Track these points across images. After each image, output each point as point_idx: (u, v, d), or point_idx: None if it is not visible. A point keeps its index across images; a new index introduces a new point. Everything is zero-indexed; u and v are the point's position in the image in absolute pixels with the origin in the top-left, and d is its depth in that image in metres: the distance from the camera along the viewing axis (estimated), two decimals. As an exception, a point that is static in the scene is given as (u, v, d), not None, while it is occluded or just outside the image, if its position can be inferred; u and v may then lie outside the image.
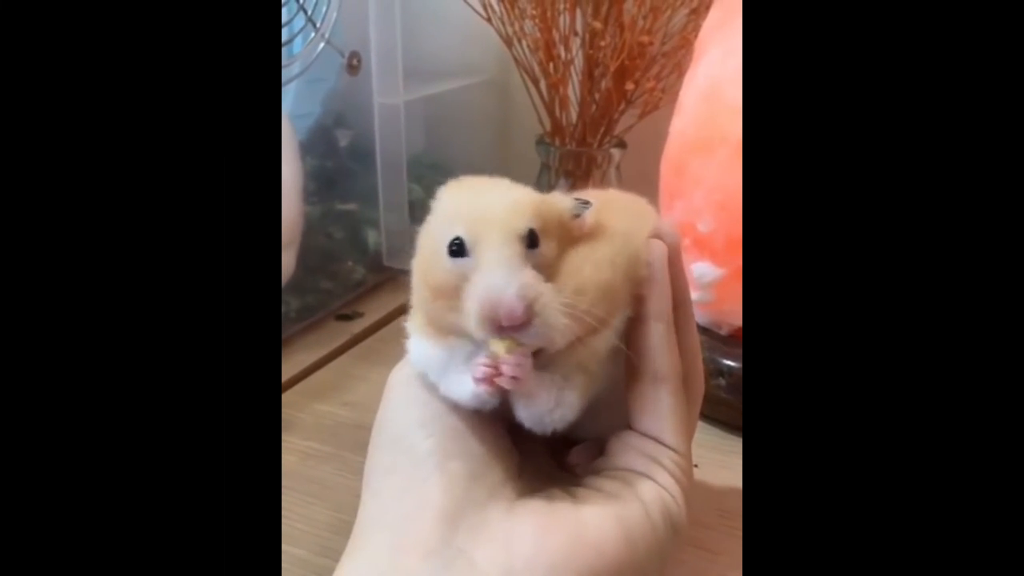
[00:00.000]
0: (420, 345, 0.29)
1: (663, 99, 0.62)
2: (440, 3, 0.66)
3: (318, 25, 0.55)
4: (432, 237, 0.28)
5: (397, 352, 0.31)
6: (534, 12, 0.60)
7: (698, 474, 0.39)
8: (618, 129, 0.65)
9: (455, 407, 0.28)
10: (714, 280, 0.46)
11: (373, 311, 0.62)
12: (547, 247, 0.26)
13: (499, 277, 0.25)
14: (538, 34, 0.61)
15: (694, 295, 0.40)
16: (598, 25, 0.59)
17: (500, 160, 0.78)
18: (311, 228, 0.59)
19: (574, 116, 0.64)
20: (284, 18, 0.53)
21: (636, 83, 0.61)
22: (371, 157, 0.61)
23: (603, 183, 0.65)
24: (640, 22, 0.59)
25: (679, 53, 0.62)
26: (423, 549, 0.25)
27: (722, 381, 0.47)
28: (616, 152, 0.64)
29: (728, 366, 0.47)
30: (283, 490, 0.42)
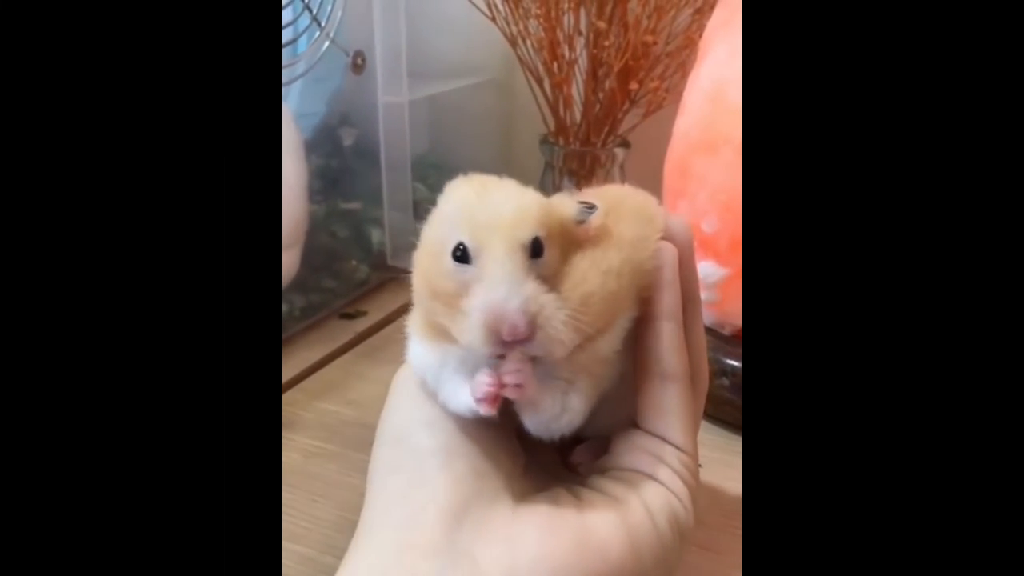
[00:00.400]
0: (417, 348, 0.29)
1: (667, 99, 0.62)
2: (445, 2, 0.66)
3: (323, 24, 0.55)
4: (435, 237, 0.27)
5: (401, 351, 0.31)
6: (538, 11, 0.60)
7: (701, 474, 0.39)
8: (622, 129, 0.65)
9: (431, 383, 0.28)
10: (718, 280, 0.46)
11: (377, 310, 0.62)
12: (551, 255, 0.26)
13: (502, 291, 0.24)
14: (542, 34, 0.61)
15: (698, 295, 0.40)
16: (602, 25, 0.59)
17: (504, 159, 0.78)
18: (315, 227, 0.59)
19: (578, 116, 0.64)
20: (289, 17, 0.53)
21: (640, 83, 0.61)
22: (375, 156, 0.62)
23: (607, 183, 0.65)
24: (644, 22, 0.59)
25: (683, 53, 0.61)
26: (427, 548, 0.25)
27: (725, 381, 0.47)
28: (620, 152, 0.64)
29: (732, 366, 0.47)
30: (287, 488, 0.42)
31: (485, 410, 0.26)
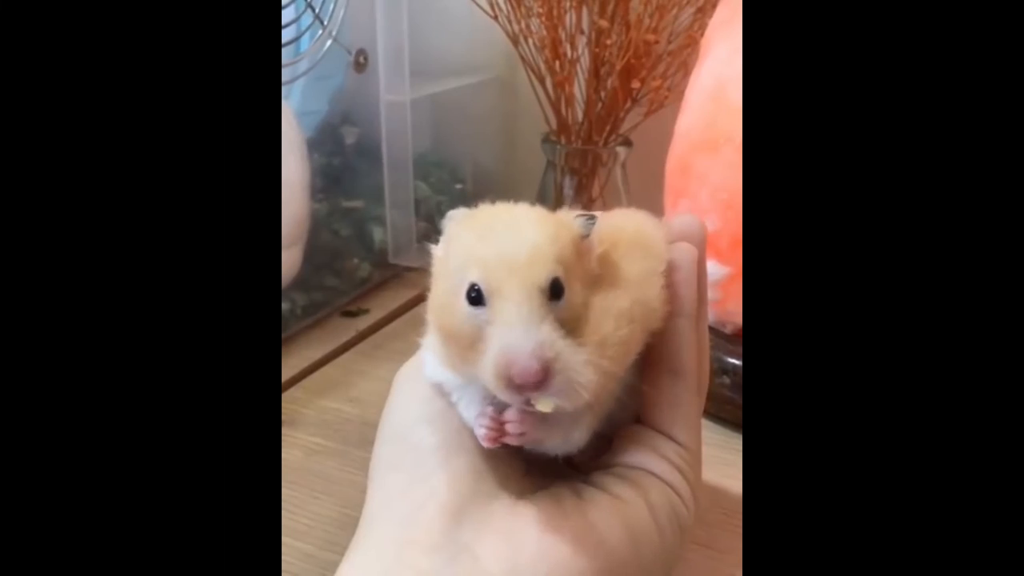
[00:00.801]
0: (435, 366, 0.29)
1: (669, 98, 0.62)
2: (447, 1, 0.66)
3: (325, 23, 0.55)
4: (447, 277, 0.26)
5: (403, 348, 0.31)
6: (540, 10, 0.60)
7: (702, 472, 0.39)
8: (624, 128, 0.65)
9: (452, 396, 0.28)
10: (719, 279, 0.46)
11: (378, 308, 0.63)
12: (573, 293, 0.25)
13: (515, 336, 0.23)
14: (544, 32, 0.61)
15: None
16: (604, 23, 0.59)
17: (506, 158, 0.79)
18: (317, 225, 0.59)
19: (580, 114, 0.65)
20: (291, 15, 0.53)
21: (642, 81, 0.62)
22: (377, 154, 0.62)
23: (609, 181, 0.66)
24: (646, 20, 0.59)
25: (685, 52, 0.61)
26: (428, 544, 0.25)
27: (726, 379, 0.47)
28: (622, 151, 0.64)
29: (733, 364, 0.47)
30: (288, 485, 0.42)
31: (487, 445, 0.26)
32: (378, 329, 0.60)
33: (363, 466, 0.30)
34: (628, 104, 0.63)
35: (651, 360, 0.29)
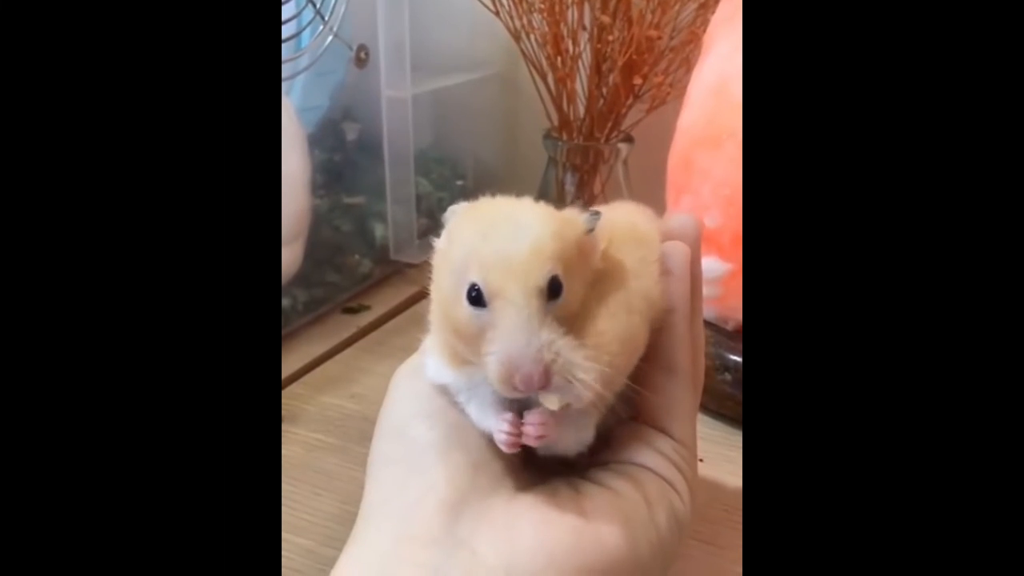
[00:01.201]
0: (439, 367, 0.29)
1: (671, 94, 0.62)
2: (448, -4, 0.66)
3: (326, 18, 0.55)
4: (450, 274, 0.26)
5: (403, 345, 0.31)
6: (542, 6, 0.60)
7: (703, 469, 0.39)
8: (626, 124, 0.65)
9: (454, 400, 0.28)
10: (721, 275, 0.46)
11: (380, 304, 0.63)
12: (571, 291, 0.25)
13: (518, 340, 0.23)
14: (546, 28, 0.61)
15: (701, 290, 0.40)
16: (606, 19, 0.59)
17: (507, 154, 0.78)
18: (318, 221, 0.59)
19: (582, 110, 0.64)
20: (292, 11, 0.53)
21: (644, 77, 0.61)
22: (379, 151, 0.62)
23: (610, 178, 0.65)
24: (648, 16, 0.59)
25: (687, 48, 0.61)
26: (425, 538, 0.25)
27: (727, 376, 0.47)
28: (624, 147, 0.64)
29: (734, 361, 0.47)
30: (289, 481, 0.42)
31: (506, 451, 0.26)
32: (379, 325, 0.60)
33: (364, 462, 0.30)
34: (630, 100, 0.63)
35: (646, 357, 0.29)
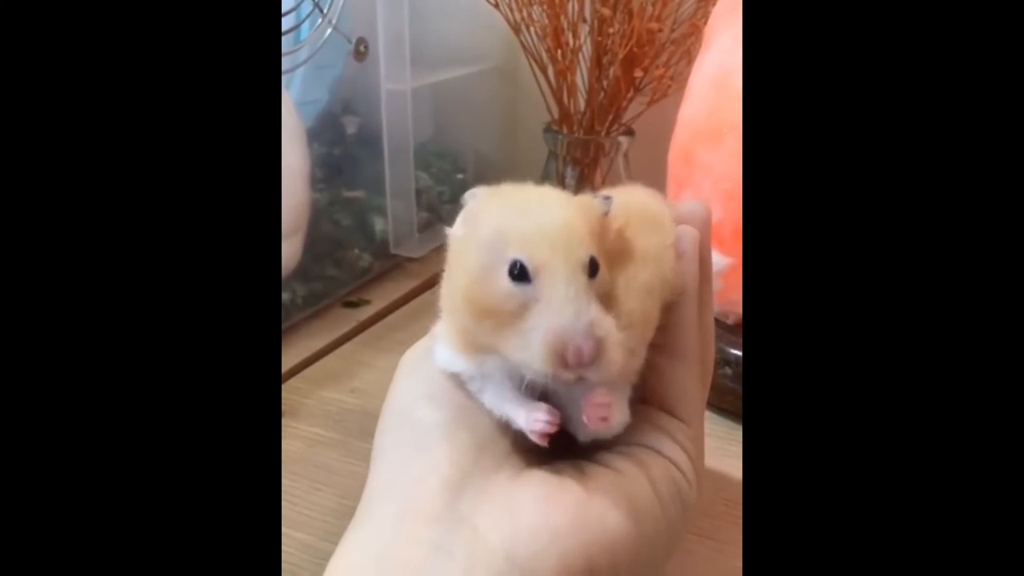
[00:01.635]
0: (450, 354, 0.28)
1: (672, 87, 0.62)
2: (448, -11, 0.66)
3: (325, 11, 0.54)
4: (479, 254, 0.26)
5: (404, 339, 0.31)
6: (542, -2, 0.60)
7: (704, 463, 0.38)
8: (626, 117, 0.65)
9: (463, 382, 0.28)
10: (722, 269, 0.46)
11: (379, 298, 0.62)
12: (604, 273, 0.25)
13: (569, 314, 0.23)
14: (546, 21, 0.61)
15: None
16: (607, 12, 0.59)
17: (507, 148, 0.78)
18: (318, 215, 0.59)
19: (582, 104, 0.64)
20: (291, 4, 0.53)
21: (645, 70, 0.61)
22: (378, 144, 0.61)
23: (611, 171, 0.65)
24: (649, 9, 0.58)
25: (688, 40, 0.61)
26: (428, 516, 0.25)
27: (728, 370, 0.47)
28: (624, 140, 0.64)
29: (735, 355, 0.47)
30: (289, 476, 0.42)
31: (539, 441, 0.26)
32: (379, 320, 0.60)
33: (364, 457, 0.29)
34: (631, 93, 0.63)
35: (655, 340, 0.29)
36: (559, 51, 0.62)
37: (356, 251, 0.64)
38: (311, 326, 0.58)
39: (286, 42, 0.54)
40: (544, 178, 0.66)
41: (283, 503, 0.40)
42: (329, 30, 0.55)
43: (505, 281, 0.24)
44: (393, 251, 0.65)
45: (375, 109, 0.60)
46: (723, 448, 0.44)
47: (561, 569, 0.24)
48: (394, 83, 0.59)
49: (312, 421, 0.47)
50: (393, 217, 0.64)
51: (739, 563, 0.36)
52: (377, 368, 0.53)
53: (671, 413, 0.29)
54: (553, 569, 0.24)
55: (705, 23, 0.53)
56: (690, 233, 0.30)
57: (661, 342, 0.29)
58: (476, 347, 0.27)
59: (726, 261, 0.45)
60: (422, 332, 0.31)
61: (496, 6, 0.62)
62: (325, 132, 0.63)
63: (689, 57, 0.60)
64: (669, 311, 0.29)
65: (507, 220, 0.25)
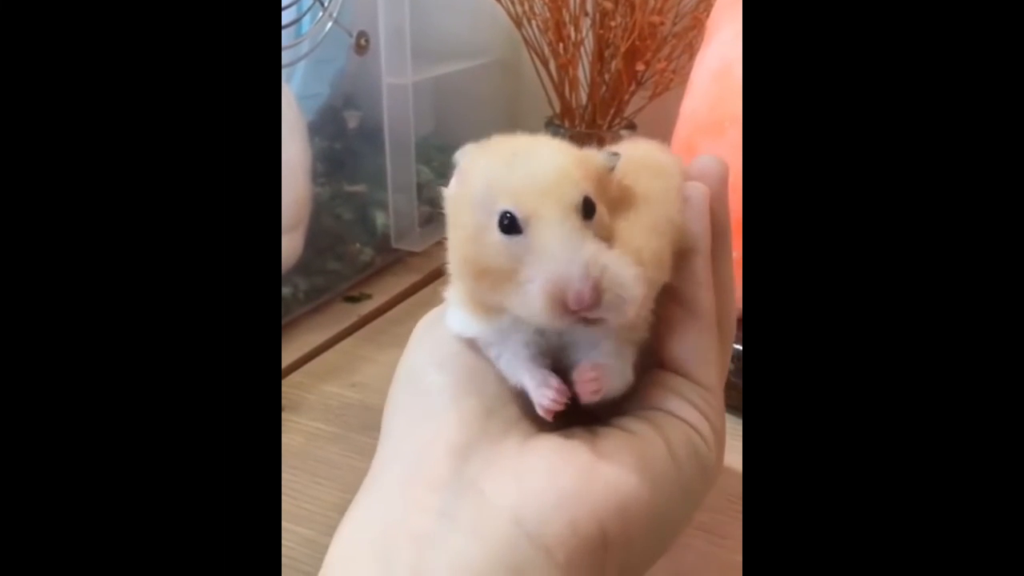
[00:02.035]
0: (464, 319, 0.27)
1: (674, 80, 0.62)
2: (449, -18, 0.66)
3: (326, 4, 0.54)
4: (471, 211, 0.25)
5: (405, 334, 0.30)
6: (544, -9, 0.60)
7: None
8: (628, 110, 0.65)
9: (474, 346, 0.27)
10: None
11: (381, 293, 0.62)
12: (602, 211, 0.24)
13: (562, 258, 0.23)
14: (548, 14, 0.61)
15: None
16: (609, 5, 0.59)
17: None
18: (319, 209, 0.59)
19: (584, 97, 0.64)
20: (292, -3, 0.53)
21: (647, 64, 0.61)
22: (379, 138, 0.61)
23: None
24: (651, 2, 0.58)
25: (690, 33, 0.61)
26: (433, 482, 0.25)
27: (731, 365, 0.47)
28: (626, 134, 0.64)
29: (736, 350, 0.47)
30: (290, 470, 0.42)
31: (546, 416, 0.26)
32: (380, 314, 0.60)
33: (365, 451, 0.29)
34: (632, 87, 0.63)
35: (668, 301, 0.28)
36: (561, 44, 0.61)
37: (357, 245, 0.63)
38: (312, 320, 0.58)
39: (287, 36, 0.54)
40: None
41: (284, 498, 0.40)
42: (330, 24, 0.55)
43: (497, 235, 0.24)
44: (394, 245, 0.65)
45: (376, 103, 0.60)
46: (726, 443, 0.44)
47: (571, 534, 0.23)
48: (395, 77, 0.59)
49: (313, 416, 0.47)
50: (394, 211, 0.63)
51: (740, 558, 0.36)
52: (378, 363, 0.53)
53: (687, 376, 0.28)
54: (562, 533, 0.23)
55: (707, 16, 0.52)
56: (699, 189, 0.29)
57: (674, 303, 0.28)
58: (484, 308, 0.26)
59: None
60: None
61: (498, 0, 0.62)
62: (326, 126, 0.63)
63: (691, 50, 0.60)
64: (680, 267, 0.28)
65: (495, 172, 0.25)
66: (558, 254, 0.23)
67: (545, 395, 0.25)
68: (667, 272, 0.27)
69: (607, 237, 0.24)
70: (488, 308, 0.26)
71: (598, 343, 0.26)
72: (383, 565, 0.23)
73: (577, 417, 0.27)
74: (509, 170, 0.24)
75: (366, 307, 0.60)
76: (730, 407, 0.47)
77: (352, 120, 0.64)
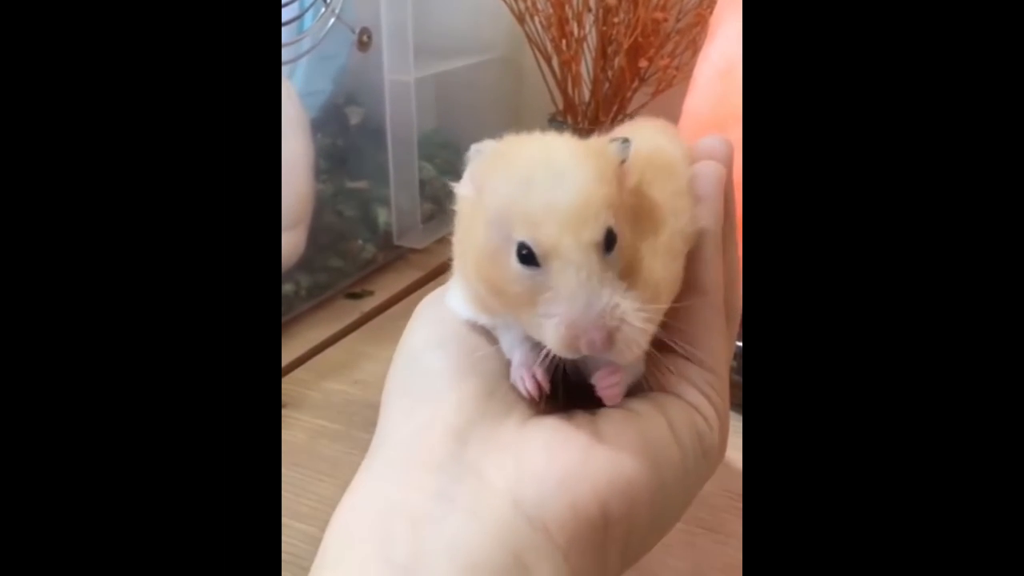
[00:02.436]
0: (466, 306, 0.27)
1: (677, 77, 0.61)
2: (451, -21, 0.66)
3: (328, 1, 0.54)
4: (487, 227, 0.25)
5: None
6: (547, -12, 0.60)
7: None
8: (631, 107, 0.64)
9: (476, 326, 0.27)
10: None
11: (383, 290, 0.62)
12: (623, 237, 0.24)
13: (579, 304, 0.22)
14: (551, 10, 0.61)
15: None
16: (612, 1, 0.59)
17: (512, 139, 0.78)
18: (321, 206, 0.59)
19: (587, 94, 0.64)
20: (294, -7, 0.53)
21: (650, 60, 0.61)
22: (382, 135, 0.61)
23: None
24: (654, -2, 0.58)
25: (694, 30, 0.61)
26: (432, 463, 0.24)
27: (732, 363, 0.47)
28: (629, 131, 0.64)
29: (737, 347, 0.47)
30: (292, 467, 0.42)
31: (526, 398, 0.26)
32: (383, 311, 0.60)
33: (367, 448, 0.29)
34: (636, 83, 0.63)
35: None
36: (564, 41, 0.61)
37: (360, 242, 0.63)
38: (315, 317, 0.58)
39: (289, 32, 0.54)
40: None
41: (286, 494, 0.40)
42: (332, 20, 0.55)
43: (515, 263, 0.23)
44: (397, 242, 0.65)
45: (379, 100, 0.60)
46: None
47: (571, 515, 0.23)
48: (398, 73, 0.59)
49: (315, 412, 0.47)
50: (397, 208, 0.63)
51: (740, 554, 0.36)
52: (381, 359, 0.53)
53: (693, 358, 0.27)
54: (562, 515, 0.23)
55: (711, 13, 0.52)
56: (711, 170, 0.28)
57: (682, 280, 0.27)
58: (491, 312, 0.26)
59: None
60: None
61: (500, -4, 0.62)
62: (329, 123, 0.63)
63: (695, 47, 0.60)
64: (689, 252, 0.27)
65: (513, 195, 0.24)
66: (576, 300, 0.23)
67: (522, 377, 0.26)
68: (677, 288, 0.27)
69: (627, 263, 0.24)
70: (493, 313, 0.26)
71: None
72: (381, 546, 0.23)
73: (579, 398, 0.27)
74: (527, 194, 0.24)
75: (368, 304, 0.60)
76: (732, 405, 0.47)
77: (354, 117, 0.64)
